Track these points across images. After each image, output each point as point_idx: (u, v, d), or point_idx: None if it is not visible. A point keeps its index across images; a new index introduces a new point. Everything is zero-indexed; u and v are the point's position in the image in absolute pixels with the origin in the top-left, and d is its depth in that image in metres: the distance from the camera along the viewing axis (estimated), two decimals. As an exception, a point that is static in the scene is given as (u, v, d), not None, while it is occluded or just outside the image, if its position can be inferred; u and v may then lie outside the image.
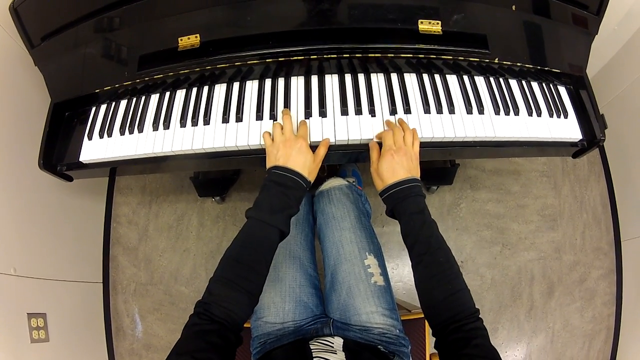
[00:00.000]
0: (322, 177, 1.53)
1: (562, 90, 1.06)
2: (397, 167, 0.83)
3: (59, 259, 1.45)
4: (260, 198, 0.79)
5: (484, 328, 0.70)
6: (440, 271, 0.75)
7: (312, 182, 0.85)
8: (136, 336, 1.71)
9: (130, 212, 1.84)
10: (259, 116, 0.95)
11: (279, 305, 0.91)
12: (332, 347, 0.78)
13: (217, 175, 1.78)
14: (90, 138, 1.02)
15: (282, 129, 0.88)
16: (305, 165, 0.83)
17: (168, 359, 0.60)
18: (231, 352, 0.66)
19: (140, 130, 0.98)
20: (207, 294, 0.70)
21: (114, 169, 1.08)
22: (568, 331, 1.67)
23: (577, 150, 1.05)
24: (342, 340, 0.81)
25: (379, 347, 0.84)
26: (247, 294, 0.71)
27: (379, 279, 0.92)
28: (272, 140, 0.88)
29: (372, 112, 0.95)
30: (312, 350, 0.74)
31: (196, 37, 0.93)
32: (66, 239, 1.51)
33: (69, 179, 1.09)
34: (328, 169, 1.57)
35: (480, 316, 0.71)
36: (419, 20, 0.93)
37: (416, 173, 0.85)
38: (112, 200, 1.85)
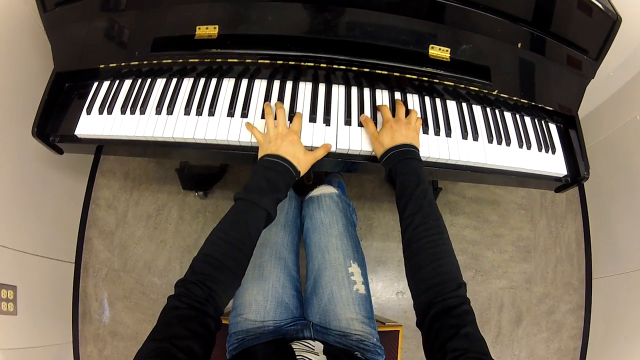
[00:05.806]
0: (308, 185, 1.54)
1: (553, 127, 1.12)
2: (397, 134, 0.88)
3: (35, 232, 1.41)
4: (249, 182, 0.80)
5: (471, 311, 0.65)
6: (429, 234, 0.72)
7: (302, 173, 0.87)
8: (102, 322, 1.66)
9: (111, 196, 1.80)
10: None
11: (261, 303, 0.91)
12: (314, 349, 0.79)
13: (202, 170, 1.77)
14: (89, 113, 1.01)
15: (274, 122, 0.91)
16: (296, 156, 0.86)
17: (145, 345, 0.57)
18: (212, 339, 0.65)
19: (143, 112, 0.98)
20: (190, 272, 0.68)
21: (100, 148, 1.06)
22: (532, 360, 1.71)
23: (560, 185, 1.10)
24: (322, 346, 0.82)
25: (356, 353, 0.86)
26: (231, 275, 0.70)
27: (361, 287, 0.94)
28: (265, 132, 0.91)
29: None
30: (295, 350, 0.75)
31: (215, 28, 0.94)
32: (44, 213, 1.47)
33: (60, 151, 1.07)
34: (314, 178, 1.56)
35: (467, 296, 0.67)
36: (430, 45, 0.97)
37: (416, 143, 0.89)
38: (94, 182, 1.81)
